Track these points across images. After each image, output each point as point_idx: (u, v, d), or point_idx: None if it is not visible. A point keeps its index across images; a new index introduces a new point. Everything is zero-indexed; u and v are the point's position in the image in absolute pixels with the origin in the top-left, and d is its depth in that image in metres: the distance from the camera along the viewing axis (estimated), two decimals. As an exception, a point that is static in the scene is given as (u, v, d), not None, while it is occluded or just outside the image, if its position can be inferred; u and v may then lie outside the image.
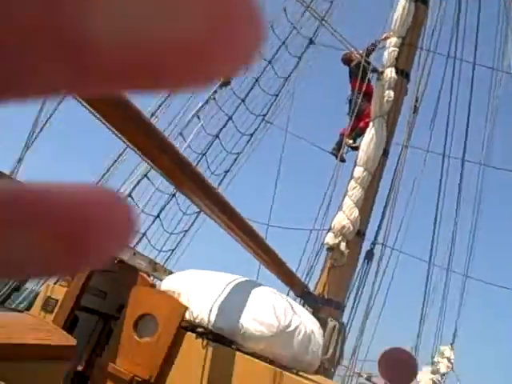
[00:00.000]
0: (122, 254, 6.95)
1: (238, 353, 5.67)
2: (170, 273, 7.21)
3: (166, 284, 6.56)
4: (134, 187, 10.57)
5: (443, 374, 14.50)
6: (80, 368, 7.10)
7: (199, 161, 11.81)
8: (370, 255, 10.52)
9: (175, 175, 5.03)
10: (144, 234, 9.87)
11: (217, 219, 5.88)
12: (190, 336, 5.86)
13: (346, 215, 9.29)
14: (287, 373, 5.64)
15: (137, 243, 9.45)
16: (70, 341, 4.56)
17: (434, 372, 14.26)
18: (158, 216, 10.50)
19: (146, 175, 10.76)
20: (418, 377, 13.43)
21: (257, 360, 5.70)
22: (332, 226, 9.36)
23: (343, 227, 9.20)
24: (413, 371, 5.27)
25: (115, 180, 10.35)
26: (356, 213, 9.35)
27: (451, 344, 15.71)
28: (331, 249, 9.37)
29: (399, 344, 5.56)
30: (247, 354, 5.72)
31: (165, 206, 10.86)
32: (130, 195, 10.52)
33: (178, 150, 5.30)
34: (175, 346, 5.80)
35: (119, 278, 6.94)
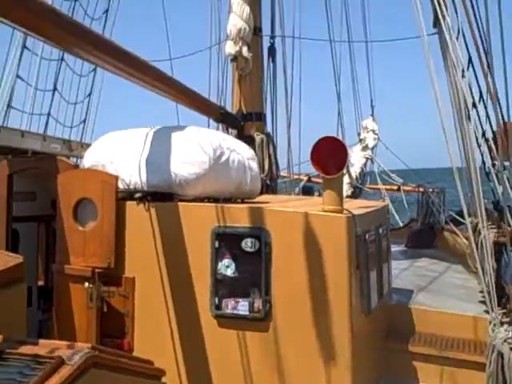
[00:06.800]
0: (31, 143, 6.57)
1: (180, 203, 5.68)
2: (89, 146, 6.83)
3: (88, 159, 6.26)
4: (19, 64, 9.74)
5: (372, 148, 15.30)
6: (41, 283, 6.97)
7: (74, 8, 10.87)
8: (272, 51, 10.35)
9: (47, 30, 4.24)
10: (49, 115, 9.31)
11: (116, 69, 5.33)
12: (131, 205, 5.78)
13: (238, 15, 8.90)
14: (228, 204, 5.75)
15: (45, 128, 9.01)
16: (17, 259, 4.42)
17: (363, 149, 14.98)
18: (55, 89, 9.84)
19: (24, 46, 9.90)
20: (351, 159, 14.16)
21: (199, 204, 5.77)
22: (228, 33, 9.02)
23: (240, 30, 8.87)
24: (344, 154, 5.33)
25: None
26: (247, 9, 8.96)
27: (371, 115, 16.37)
28: (235, 59, 9.13)
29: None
30: (190, 201, 5.76)
31: (58, 74, 10.07)
32: (17, 76, 9.78)
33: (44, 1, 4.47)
34: (121, 223, 5.71)
35: (40, 171, 6.57)
